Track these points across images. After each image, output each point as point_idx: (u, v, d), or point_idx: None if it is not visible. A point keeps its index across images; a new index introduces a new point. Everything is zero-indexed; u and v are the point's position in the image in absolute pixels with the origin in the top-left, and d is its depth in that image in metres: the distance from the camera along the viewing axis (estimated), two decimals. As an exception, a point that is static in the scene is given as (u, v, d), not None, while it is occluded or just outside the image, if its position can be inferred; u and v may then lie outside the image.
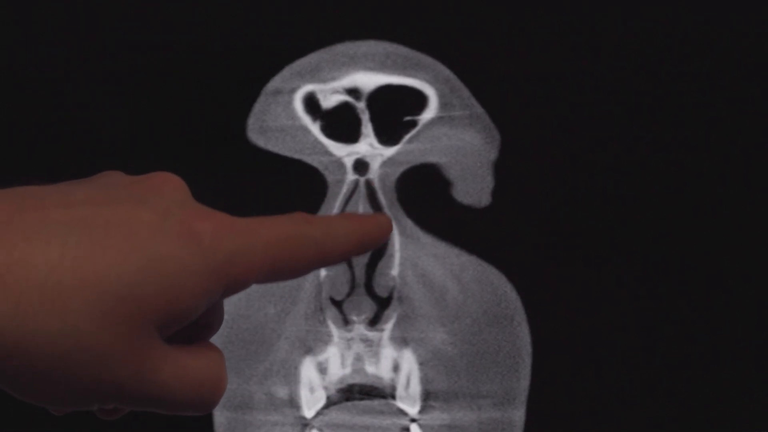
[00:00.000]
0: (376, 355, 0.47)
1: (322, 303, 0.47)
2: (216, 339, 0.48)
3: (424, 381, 0.47)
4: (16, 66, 0.51)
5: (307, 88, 0.49)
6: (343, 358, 0.47)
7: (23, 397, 0.24)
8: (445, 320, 0.47)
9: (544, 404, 0.47)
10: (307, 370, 0.47)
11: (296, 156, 0.49)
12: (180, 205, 0.27)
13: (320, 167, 0.48)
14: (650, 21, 0.48)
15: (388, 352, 0.47)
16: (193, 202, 0.28)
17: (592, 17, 0.48)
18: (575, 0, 0.48)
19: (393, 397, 0.47)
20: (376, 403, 0.47)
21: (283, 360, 0.47)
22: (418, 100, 0.48)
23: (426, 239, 0.48)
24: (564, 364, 0.47)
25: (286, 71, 0.49)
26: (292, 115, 0.49)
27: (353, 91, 0.48)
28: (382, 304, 0.47)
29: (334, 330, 0.47)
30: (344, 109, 0.48)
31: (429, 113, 0.48)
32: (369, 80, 0.48)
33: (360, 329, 0.47)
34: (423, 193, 0.48)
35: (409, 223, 0.48)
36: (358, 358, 0.47)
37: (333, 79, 0.49)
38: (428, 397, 0.47)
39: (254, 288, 0.48)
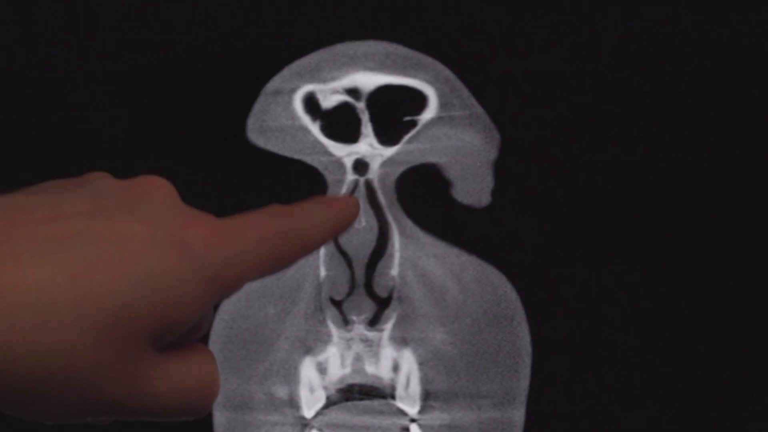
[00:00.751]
0: (375, 355, 0.47)
1: (321, 303, 0.47)
2: (216, 339, 0.48)
3: (424, 381, 0.47)
4: (16, 66, 0.51)
5: (307, 88, 0.49)
6: (342, 358, 0.47)
7: (16, 413, 0.24)
8: (445, 320, 0.47)
9: (544, 404, 0.47)
10: (307, 370, 0.47)
11: (296, 156, 0.49)
12: (170, 213, 0.26)
13: (320, 167, 0.48)
14: (650, 21, 0.48)
15: (387, 352, 0.47)
16: (182, 207, 0.28)
17: (592, 17, 0.48)
18: (575, 0, 0.48)
19: (393, 397, 0.47)
20: (375, 403, 0.47)
21: (283, 360, 0.47)
22: (418, 100, 0.48)
23: (426, 239, 0.48)
24: (564, 364, 0.47)
25: (286, 71, 0.49)
26: (292, 115, 0.49)
27: (353, 91, 0.48)
28: (382, 304, 0.47)
29: (334, 330, 0.47)
30: (344, 109, 0.48)
31: (429, 113, 0.48)
32: (369, 80, 0.48)
33: (360, 329, 0.47)
34: (423, 193, 0.48)
35: (409, 223, 0.48)
36: (358, 358, 0.47)
37: (333, 79, 0.49)
38: (428, 397, 0.47)
39: (254, 288, 0.48)
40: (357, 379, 0.47)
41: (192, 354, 0.27)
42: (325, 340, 0.47)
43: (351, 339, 0.47)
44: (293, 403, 0.47)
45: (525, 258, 0.48)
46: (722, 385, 0.47)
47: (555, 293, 0.47)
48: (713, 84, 0.48)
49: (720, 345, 0.47)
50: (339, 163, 0.48)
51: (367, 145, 0.48)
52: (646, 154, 0.48)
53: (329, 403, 0.47)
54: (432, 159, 0.48)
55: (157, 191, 0.28)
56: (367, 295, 0.47)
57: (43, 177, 0.50)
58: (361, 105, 0.48)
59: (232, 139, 0.49)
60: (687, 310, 0.47)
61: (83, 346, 0.23)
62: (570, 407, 0.47)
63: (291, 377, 0.47)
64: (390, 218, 0.48)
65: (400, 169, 0.48)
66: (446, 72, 0.48)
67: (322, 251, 0.48)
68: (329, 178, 0.48)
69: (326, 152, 0.48)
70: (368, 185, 0.48)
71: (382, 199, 0.48)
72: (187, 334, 0.28)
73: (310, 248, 0.29)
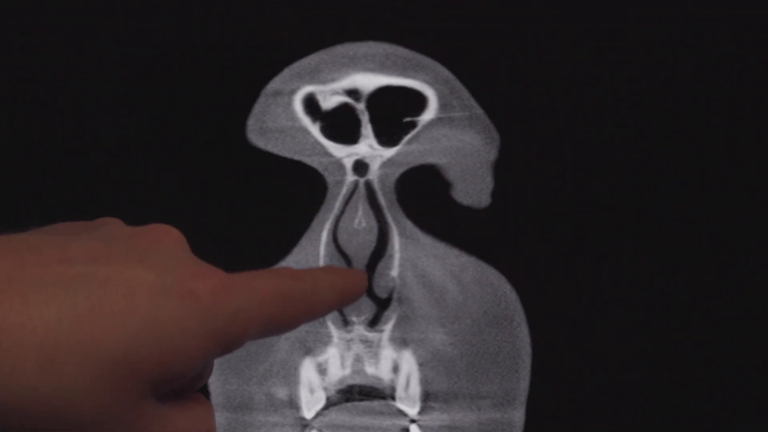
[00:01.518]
0: (375, 356, 0.47)
1: (321, 304, 0.47)
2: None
3: (424, 382, 0.47)
4: (17, 66, 0.50)
5: (307, 89, 0.49)
6: (342, 359, 0.47)
7: None
8: (445, 321, 0.47)
9: (544, 405, 0.47)
10: (307, 371, 0.47)
11: (296, 157, 0.49)
12: (179, 262, 0.27)
13: (320, 168, 0.48)
14: (650, 21, 0.48)
15: (387, 353, 0.47)
16: (191, 258, 0.28)
17: (592, 17, 0.48)
18: (575, 0, 0.48)
19: (393, 398, 0.47)
20: (375, 403, 0.47)
21: (282, 361, 0.48)
22: (418, 101, 0.48)
23: (426, 240, 0.48)
24: (564, 364, 0.47)
25: (286, 72, 0.49)
26: (292, 116, 0.49)
27: (353, 92, 0.48)
28: (382, 304, 0.47)
29: (334, 331, 0.47)
30: (344, 110, 0.48)
31: (429, 114, 0.48)
32: (369, 81, 0.48)
33: (359, 330, 0.47)
34: (423, 194, 0.48)
35: (408, 224, 0.48)
36: (358, 359, 0.47)
37: (333, 80, 0.48)
38: (428, 398, 0.47)
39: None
40: (357, 380, 0.47)
41: (191, 405, 0.27)
42: (324, 341, 0.47)
43: (351, 340, 0.47)
44: (293, 403, 0.47)
45: (525, 258, 0.48)
46: (723, 386, 0.47)
47: (555, 293, 0.47)
48: (714, 84, 0.48)
49: (721, 345, 0.47)
50: (339, 164, 0.48)
51: (367, 146, 0.48)
52: (647, 154, 0.48)
53: (329, 404, 0.47)
54: (432, 160, 0.48)
55: (167, 240, 0.28)
56: (367, 295, 0.47)
57: (43, 177, 0.51)
58: (361, 106, 0.48)
59: (232, 139, 0.49)
60: (687, 311, 0.47)
61: (85, 390, 0.23)
62: (570, 407, 0.47)
63: (291, 378, 0.47)
64: (390, 219, 0.48)
65: (400, 170, 0.48)
66: (446, 73, 0.48)
67: (322, 251, 0.48)
68: (329, 179, 0.48)
69: (326, 153, 0.48)
70: (368, 186, 0.48)
71: (381, 200, 0.48)
72: (188, 383, 0.28)
73: (315, 315, 0.30)
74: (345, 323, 0.47)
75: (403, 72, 0.48)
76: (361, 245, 0.47)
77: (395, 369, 0.47)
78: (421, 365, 0.47)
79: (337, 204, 0.48)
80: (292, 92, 0.49)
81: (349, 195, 0.48)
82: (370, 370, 0.47)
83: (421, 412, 0.47)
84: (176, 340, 0.25)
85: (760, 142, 0.47)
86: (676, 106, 0.48)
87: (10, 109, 0.50)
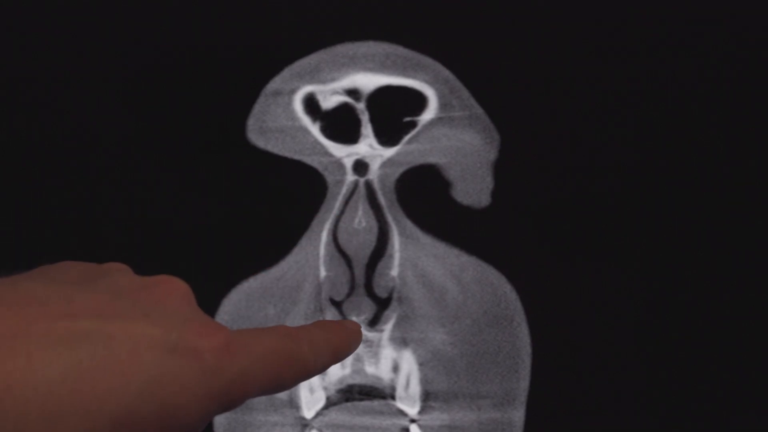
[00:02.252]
0: (375, 356, 0.47)
1: (321, 303, 0.47)
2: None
3: (424, 381, 0.47)
4: (17, 66, 0.51)
5: (307, 89, 0.49)
6: (342, 358, 0.47)
7: None
8: (445, 321, 0.47)
9: (544, 404, 0.47)
10: (307, 370, 0.47)
11: (296, 157, 0.49)
12: (185, 320, 0.26)
13: (320, 168, 0.48)
14: (651, 21, 0.48)
15: (387, 353, 0.47)
16: (197, 314, 0.28)
17: (592, 17, 0.48)
18: (575, 0, 0.48)
19: (393, 397, 0.47)
20: (375, 403, 0.47)
21: (282, 360, 0.47)
22: (418, 101, 0.48)
23: (426, 240, 0.48)
24: (564, 364, 0.47)
25: (286, 72, 0.49)
26: (292, 116, 0.49)
27: (353, 92, 0.48)
28: (382, 304, 0.47)
29: (334, 331, 0.47)
30: (344, 109, 0.48)
31: (429, 114, 0.48)
32: (369, 81, 0.48)
33: (360, 330, 0.47)
34: (423, 193, 0.48)
35: (408, 224, 0.48)
36: (358, 359, 0.47)
37: (333, 80, 0.49)
38: (428, 398, 0.47)
39: (254, 288, 0.48)
40: (357, 380, 0.47)
41: None
42: (325, 340, 0.47)
43: (351, 339, 0.47)
44: (293, 403, 0.47)
45: (525, 258, 0.48)
46: (723, 385, 0.47)
47: (555, 293, 0.47)
48: (714, 84, 0.48)
49: (721, 345, 0.47)
50: (339, 164, 0.48)
51: (367, 146, 0.48)
52: (647, 154, 0.48)
53: (329, 404, 0.47)
54: (432, 160, 0.48)
55: (174, 295, 0.28)
56: (367, 295, 0.47)
57: (43, 177, 0.51)
58: (361, 106, 0.48)
59: (232, 139, 0.49)
60: (687, 311, 0.47)
61: None
62: (570, 407, 0.47)
63: (291, 378, 0.47)
64: (390, 219, 0.48)
65: (400, 170, 0.48)
66: (446, 73, 0.48)
67: (322, 251, 0.48)
68: (329, 178, 0.48)
69: (326, 153, 0.48)
70: (368, 186, 0.48)
71: (382, 200, 0.48)
72: None
73: (312, 373, 0.30)
74: (345, 323, 0.47)
75: (403, 72, 0.48)
76: (361, 245, 0.47)
77: (395, 368, 0.47)
78: (421, 365, 0.47)
79: (337, 204, 0.48)
80: (292, 92, 0.49)
81: (349, 195, 0.48)
82: (370, 369, 0.47)
83: (421, 411, 0.47)
84: (178, 399, 0.25)
85: (760, 142, 0.47)
86: (675, 106, 0.48)
87: (10, 109, 0.50)
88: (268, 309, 0.48)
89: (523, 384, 0.47)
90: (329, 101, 0.48)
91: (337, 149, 0.48)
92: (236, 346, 0.27)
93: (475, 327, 0.47)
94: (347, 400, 0.47)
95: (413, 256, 0.48)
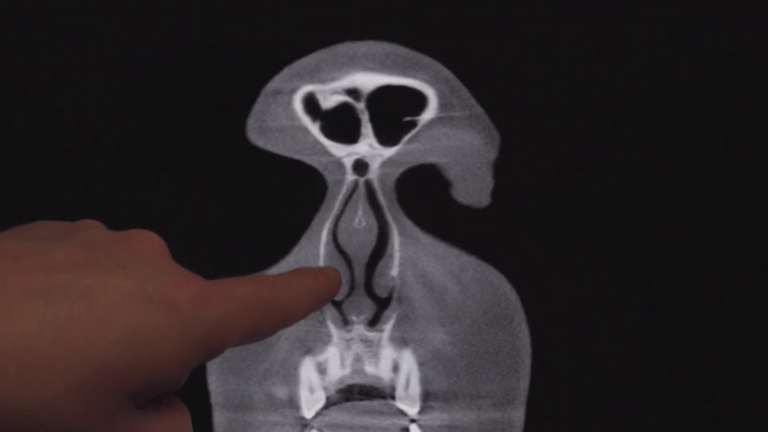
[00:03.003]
0: (375, 356, 0.47)
1: (321, 303, 0.47)
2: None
3: (424, 381, 0.47)
4: (17, 66, 0.51)
5: (307, 88, 0.49)
6: (342, 358, 0.47)
7: None
8: (445, 321, 0.47)
9: (544, 404, 0.47)
10: (307, 370, 0.47)
11: (296, 156, 0.49)
12: (160, 271, 0.27)
13: (320, 167, 0.48)
14: (651, 21, 0.48)
15: (387, 353, 0.47)
16: (172, 266, 0.28)
17: (592, 17, 0.48)
18: (575, 0, 0.48)
19: (392, 397, 0.47)
20: (375, 403, 0.47)
21: (282, 360, 0.47)
22: (418, 101, 0.48)
23: (426, 239, 0.48)
24: (564, 364, 0.47)
25: (286, 72, 0.49)
26: (292, 116, 0.49)
27: (353, 92, 0.48)
28: (382, 304, 0.47)
29: (334, 330, 0.47)
30: (344, 109, 0.48)
31: (429, 114, 0.48)
32: (369, 81, 0.48)
33: (359, 329, 0.47)
34: (423, 193, 0.48)
35: (408, 224, 0.48)
36: (358, 359, 0.47)
37: (332, 79, 0.49)
38: (428, 398, 0.47)
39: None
40: (357, 380, 0.47)
41: (168, 411, 0.27)
42: (324, 340, 0.47)
43: (351, 339, 0.47)
44: (293, 403, 0.47)
45: (525, 258, 0.48)
46: (723, 385, 0.47)
47: (555, 293, 0.47)
48: (714, 84, 0.48)
49: (721, 345, 0.47)
50: (339, 164, 0.48)
51: (367, 146, 0.48)
52: (647, 154, 0.48)
53: (329, 404, 0.47)
54: (432, 159, 0.48)
55: (148, 247, 0.28)
56: (367, 295, 0.47)
57: (43, 177, 0.51)
58: (360, 105, 0.48)
59: (232, 139, 0.49)
60: (687, 311, 0.47)
61: (64, 400, 0.23)
62: (570, 407, 0.47)
63: (291, 377, 0.47)
64: (390, 218, 0.48)
65: (400, 170, 0.48)
66: (446, 72, 0.48)
67: (322, 251, 0.48)
68: (329, 178, 0.48)
69: (326, 152, 0.48)
70: (368, 185, 0.48)
71: (381, 200, 0.48)
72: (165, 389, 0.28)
73: (292, 320, 0.30)
74: (345, 323, 0.47)
75: (403, 71, 0.48)
76: (361, 244, 0.47)
77: (395, 368, 0.47)
78: (421, 365, 0.47)
79: (337, 203, 0.48)
80: (292, 91, 0.49)
81: (349, 194, 0.48)
82: (370, 369, 0.47)
83: (421, 411, 0.47)
84: (156, 350, 0.25)
85: (760, 142, 0.47)
86: (675, 106, 0.48)
87: (10, 109, 0.50)
88: (268, 309, 0.48)
89: (523, 384, 0.47)
90: (329, 101, 0.48)
91: (337, 149, 0.48)
92: (213, 295, 0.27)
93: (475, 327, 0.47)
94: (347, 400, 0.47)
95: (413, 256, 0.48)
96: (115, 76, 0.50)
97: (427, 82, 0.48)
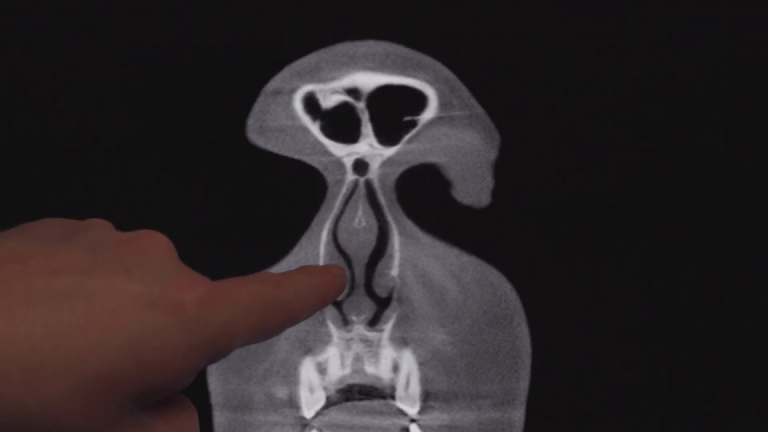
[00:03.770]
0: (375, 356, 0.47)
1: (321, 303, 0.47)
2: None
3: (424, 381, 0.47)
4: (17, 66, 0.51)
5: (307, 88, 0.49)
6: (342, 358, 0.47)
7: None
8: (445, 321, 0.47)
9: (544, 404, 0.47)
10: (307, 370, 0.47)
11: (296, 156, 0.49)
12: (167, 273, 0.26)
13: (320, 167, 0.48)
14: (651, 21, 0.48)
15: (387, 353, 0.47)
16: (179, 267, 0.27)
17: (592, 17, 0.48)
18: (575, 0, 0.48)
19: (392, 397, 0.47)
20: (375, 403, 0.47)
21: (282, 360, 0.47)
22: (418, 100, 0.48)
23: (426, 239, 0.48)
24: (564, 364, 0.47)
25: (286, 71, 0.49)
26: (292, 115, 0.49)
27: (353, 91, 0.48)
28: (382, 304, 0.47)
29: (334, 330, 0.47)
30: (344, 109, 0.48)
31: (429, 113, 0.48)
32: (369, 80, 0.48)
33: (359, 329, 0.47)
34: (423, 193, 0.48)
35: (408, 223, 0.48)
36: (358, 359, 0.47)
37: (333, 79, 0.49)
38: (428, 398, 0.47)
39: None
40: (357, 380, 0.47)
41: (174, 411, 0.27)
42: (324, 340, 0.47)
43: (351, 339, 0.47)
44: (293, 403, 0.47)
45: (525, 258, 0.48)
46: (723, 385, 0.47)
47: (555, 293, 0.47)
48: (713, 84, 0.48)
49: (721, 345, 0.47)
50: (339, 163, 0.48)
51: (367, 145, 0.48)
52: (647, 154, 0.48)
53: (329, 404, 0.47)
54: (432, 159, 0.48)
55: (155, 249, 0.27)
56: (367, 295, 0.47)
57: (43, 177, 0.51)
58: (361, 105, 0.48)
59: (232, 139, 0.49)
60: (687, 311, 0.47)
61: (68, 405, 0.23)
62: (570, 407, 0.47)
63: (291, 377, 0.47)
64: (390, 218, 0.48)
65: (400, 169, 0.48)
66: (446, 72, 0.48)
67: (322, 251, 0.48)
68: (329, 178, 0.48)
69: (326, 152, 0.48)
70: (368, 185, 0.48)
71: (382, 200, 0.48)
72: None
73: (298, 319, 0.30)
74: (345, 323, 0.47)
75: (403, 71, 0.48)
76: (361, 244, 0.47)
77: (395, 368, 0.47)
78: (421, 365, 0.47)
79: (337, 203, 0.48)
80: (292, 91, 0.49)
81: (349, 194, 0.48)
82: (370, 369, 0.47)
83: (421, 411, 0.47)
84: (161, 354, 0.25)
85: (760, 142, 0.47)
86: (675, 106, 0.48)
87: (10, 109, 0.50)
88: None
89: (523, 384, 0.47)
90: (329, 100, 0.48)
91: (337, 148, 0.48)
92: (219, 297, 0.26)
93: (475, 327, 0.47)
94: (347, 399, 0.47)
95: (413, 256, 0.48)
96: (116, 76, 0.50)
97: (427, 81, 0.48)
